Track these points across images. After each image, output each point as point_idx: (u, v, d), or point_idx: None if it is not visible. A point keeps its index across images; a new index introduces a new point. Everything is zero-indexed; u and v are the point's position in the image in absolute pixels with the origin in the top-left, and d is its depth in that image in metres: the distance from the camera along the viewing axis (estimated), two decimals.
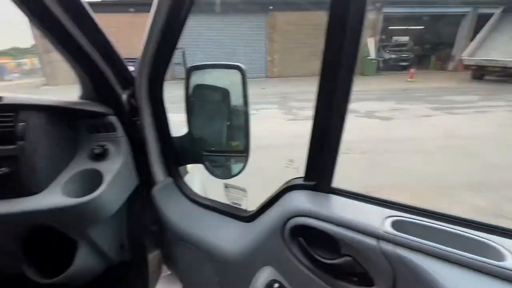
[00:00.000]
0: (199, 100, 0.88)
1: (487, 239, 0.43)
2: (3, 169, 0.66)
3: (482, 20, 11.27)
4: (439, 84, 10.02)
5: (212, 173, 0.89)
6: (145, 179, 0.89)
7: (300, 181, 0.60)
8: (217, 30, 12.85)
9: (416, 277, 0.42)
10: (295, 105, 7.26)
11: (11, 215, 0.67)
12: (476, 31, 11.53)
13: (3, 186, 0.67)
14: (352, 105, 0.49)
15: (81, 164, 0.77)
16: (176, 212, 0.83)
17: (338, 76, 0.47)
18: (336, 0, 0.44)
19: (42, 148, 0.71)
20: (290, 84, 11.13)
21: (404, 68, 13.73)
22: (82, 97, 0.82)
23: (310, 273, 0.54)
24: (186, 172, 1.00)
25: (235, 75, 0.88)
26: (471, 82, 10.18)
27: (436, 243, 0.43)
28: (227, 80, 0.91)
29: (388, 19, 13.81)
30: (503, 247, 0.41)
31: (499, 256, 0.40)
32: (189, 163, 0.92)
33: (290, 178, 0.65)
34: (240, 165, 0.87)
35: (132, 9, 11.79)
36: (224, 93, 0.92)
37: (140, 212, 0.93)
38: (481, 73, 10.05)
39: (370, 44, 13.08)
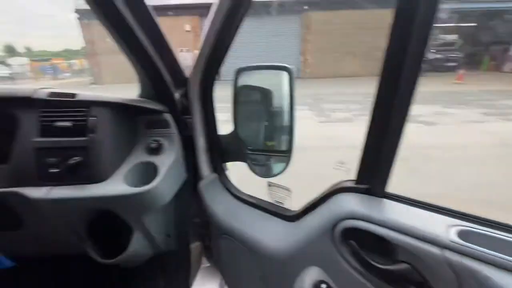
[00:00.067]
0: (244, 100, 0.90)
1: None
2: (76, 158, 0.75)
3: None
4: (493, 86, 9.05)
5: (254, 171, 0.92)
6: (192, 174, 0.94)
7: (351, 184, 0.59)
8: (250, 31, 13.02)
9: None
10: (327, 107, 7.08)
11: (81, 199, 0.75)
12: None
13: (75, 173, 0.76)
14: None
15: (139, 157, 0.84)
16: (220, 207, 0.87)
17: (401, 75, 0.45)
18: None
19: (108, 141, 0.79)
20: (323, 85, 10.88)
21: (451, 69, 12.60)
22: (141, 96, 0.89)
23: (360, 277, 0.53)
24: (226, 169, 1.04)
25: (281, 76, 0.89)
26: None
27: (506, 255, 0.40)
28: (272, 81, 0.92)
29: None
30: None
31: None
32: (233, 161, 0.95)
33: (339, 180, 0.64)
34: (283, 165, 0.88)
35: (171, 13, 12.44)
36: (268, 94, 0.94)
37: (186, 205, 0.99)
38: None
39: None
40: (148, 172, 0.81)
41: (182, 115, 0.89)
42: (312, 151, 3.93)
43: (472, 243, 0.42)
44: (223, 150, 0.94)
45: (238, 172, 1.05)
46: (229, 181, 0.95)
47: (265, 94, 0.94)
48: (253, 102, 0.95)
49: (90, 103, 0.79)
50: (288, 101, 0.82)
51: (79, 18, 14.16)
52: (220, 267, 1.00)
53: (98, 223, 0.86)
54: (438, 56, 13.34)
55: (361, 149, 0.56)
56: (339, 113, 6.35)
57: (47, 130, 0.76)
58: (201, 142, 0.91)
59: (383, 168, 0.53)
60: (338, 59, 13.08)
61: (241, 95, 0.88)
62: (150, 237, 0.90)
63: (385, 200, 0.55)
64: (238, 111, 0.88)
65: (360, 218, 0.53)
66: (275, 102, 0.92)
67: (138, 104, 0.84)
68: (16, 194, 0.73)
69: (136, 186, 0.77)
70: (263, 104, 0.95)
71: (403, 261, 0.48)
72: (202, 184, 0.91)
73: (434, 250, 0.44)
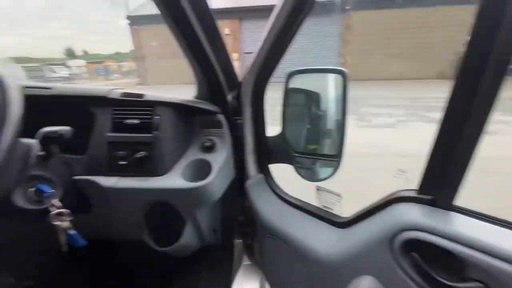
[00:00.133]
0: (293, 103, 0.91)
1: None
2: (142, 152, 0.83)
3: None
4: None
5: (300, 174, 0.92)
6: (239, 173, 0.98)
7: (413, 194, 0.56)
8: None
9: None
10: (368, 111, 6.74)
11: (144, 190, 0.83)
12: None
13: (140, 166, 0.84)
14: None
15: (194, 154, 0.90)
16: (266, 207, 0.88)
17: (482, 79, 0.42)
18: None
19: (170, 138, 0.86)
20: (364, 88, 10.36)
21: None
22: (196, 97, 0.95)
23: None
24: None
25: (332, 79, 0.89)
26: None
27: None
28: (322, 83, 0.92)
29: None
30: None
31: None
32: (279, 163, 0.97)
33: (398, 189, 0.62)
34: (331, 170, 0.87)
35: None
36: (317, 97, 0.93)
37: (231, 202, 1.03)
38: None
39: None
40: (202, 168, 0.86)
41: (232, 116, 0.93)
42: (352, 157, 3.76)
43: None
44: (270, 152, 0.95)
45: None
46: (275, 182, 0.96)
47: (314, 97, 0.94)
48: (301, 105, 0.95)
49: (155, 103, 0.87)
50: (341, 105, 0.81)
51: (129, 24, 15.53)
52: (263, 266, 1.01)
53: (155, 213, 0.94)
54: None
55: (426, 158, 0.53)
56: (381, 118, 6.02)
57: (118, 126, 0.86)
58: (249, 142, 0.94)
59: (452, 179, 0.50)
60: (381, 60, 12.41)
61: (290, 97, 0.89)
62: (199, 230, 0.95)
63: (452, 213, 0.52)
64: (286, 114, 0.89)
65: (425, 230, 0.50)
66: (324, 105, 0.92)
67: (196, 105, 0.89)
68: (91, 182, 0.84)
69: (191, 181, 0.83)
70: (311, 107, 0.95)
71: (475, 279, 0.45)
72: (248, 184, 0.93)
73: None
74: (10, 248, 1.18)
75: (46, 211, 0.74)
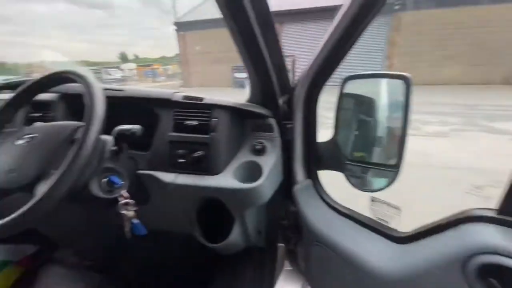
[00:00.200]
0: (347, 108, 0.89)
1: None
2: (199, 152, 0.88)
3: None
4: None
5: (351, 182, 0.88)
6: (286, 178, 0.98)
7: (490, 213, 0.51)
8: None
9: None
10: (417, 118, 6.23)
11: (199, 187, 0.88)
12: None
13: (197, 164, 0.89)
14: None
15: (245, 156, 0.93)
16: (314, 213, 0.87)
17: None
18: None
19: (225, 140, 0.89)
20: (414, 92, 9.63)
21: None
22: (249, 100, 0.98)
23: None
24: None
25: (392, 85, 0.84)
26: None
27: None
28: (381, 89, 0.88)
29: None
30: None
31: None
32: (329, 169, 0.94)
33: (470, 208, 0.56)
34: (386, 180, 0.82)
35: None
36: (374, 103, 0.89)
37: (277, 206, 1.03)
38: None
39: None
40: (252, 170, 0.89)
41: (283, 120, 0.94)
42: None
43: None
44: (320, 158, 0.94)
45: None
46: (323, 189, 0.94)
47: (370, 104, 0.90)
48: (356, 111, 0.92)
49: (212, 106, 0.91)
50: (402, 112, 0.77)
51: (176, 30, 16.60)
52: (306, 273, 1.00)
53: (206, 211, 0.99)
54: None
55: (510, 174, 0.47)
56: (432, 126, 5.52)
57: (179, 126, 0.92)
58: (298, 147, 0.93)
59: None
60: (433, 63, 11.40)
61: (344, 103, 0.87)
62: (246, 231, 0.98)
63: None
64: (340, 119, 0.87)
65: (507, 254, 0.45)
66: (381, 112, 0.87)
67: (249, 109, 0.92)
68: (153, 177, 0.91)
69: (241, 182, 0.86)
70: (367, 113, 0.92)
71: None
72: (296, 189, 0.93)
73: None
74: (78, 230, 1.33)
75: (116, 201, 0.82)
